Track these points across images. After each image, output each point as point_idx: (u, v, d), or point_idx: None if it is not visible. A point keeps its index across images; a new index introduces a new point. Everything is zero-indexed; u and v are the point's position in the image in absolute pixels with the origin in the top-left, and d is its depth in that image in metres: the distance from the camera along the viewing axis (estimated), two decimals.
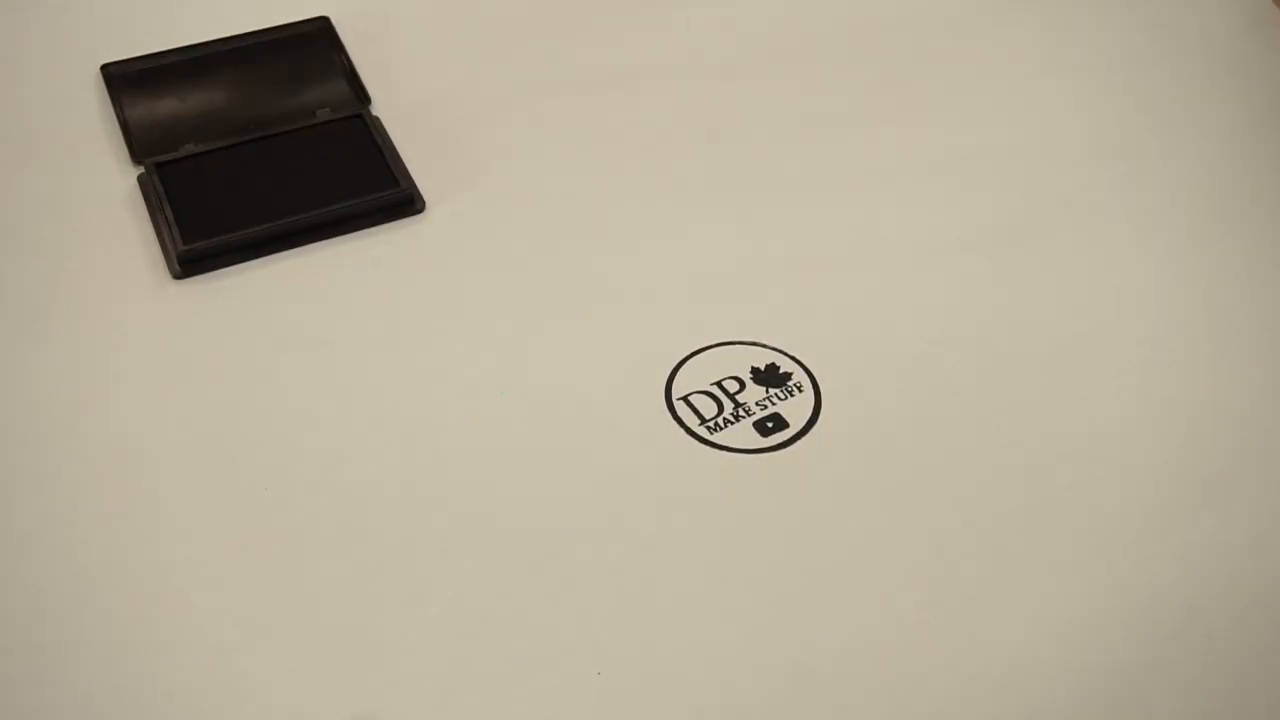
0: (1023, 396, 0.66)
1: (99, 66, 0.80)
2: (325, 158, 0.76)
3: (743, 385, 0.66)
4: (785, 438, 0.63)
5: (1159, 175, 0.78)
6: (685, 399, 0.65)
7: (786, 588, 0.58)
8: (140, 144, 0.75)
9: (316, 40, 0.82)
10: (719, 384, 0.66)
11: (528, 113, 0.80)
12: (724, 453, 0.63)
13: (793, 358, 0.67)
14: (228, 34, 0.82)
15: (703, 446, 0.63)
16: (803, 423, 0.64)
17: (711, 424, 0.64)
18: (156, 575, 0.57)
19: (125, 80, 0.79)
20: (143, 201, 0.73)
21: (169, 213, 0.71)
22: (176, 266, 0.69)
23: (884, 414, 0.65)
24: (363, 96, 0.79)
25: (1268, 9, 0.89)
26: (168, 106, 0.78)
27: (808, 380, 0.66)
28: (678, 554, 0.59)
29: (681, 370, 0.66)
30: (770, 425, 0.64)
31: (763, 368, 0.66)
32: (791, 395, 0.65)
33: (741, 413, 0.64)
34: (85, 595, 0.57)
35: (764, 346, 0.67)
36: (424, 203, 0.74)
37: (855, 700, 0.54)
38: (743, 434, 0.64)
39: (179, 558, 0.58)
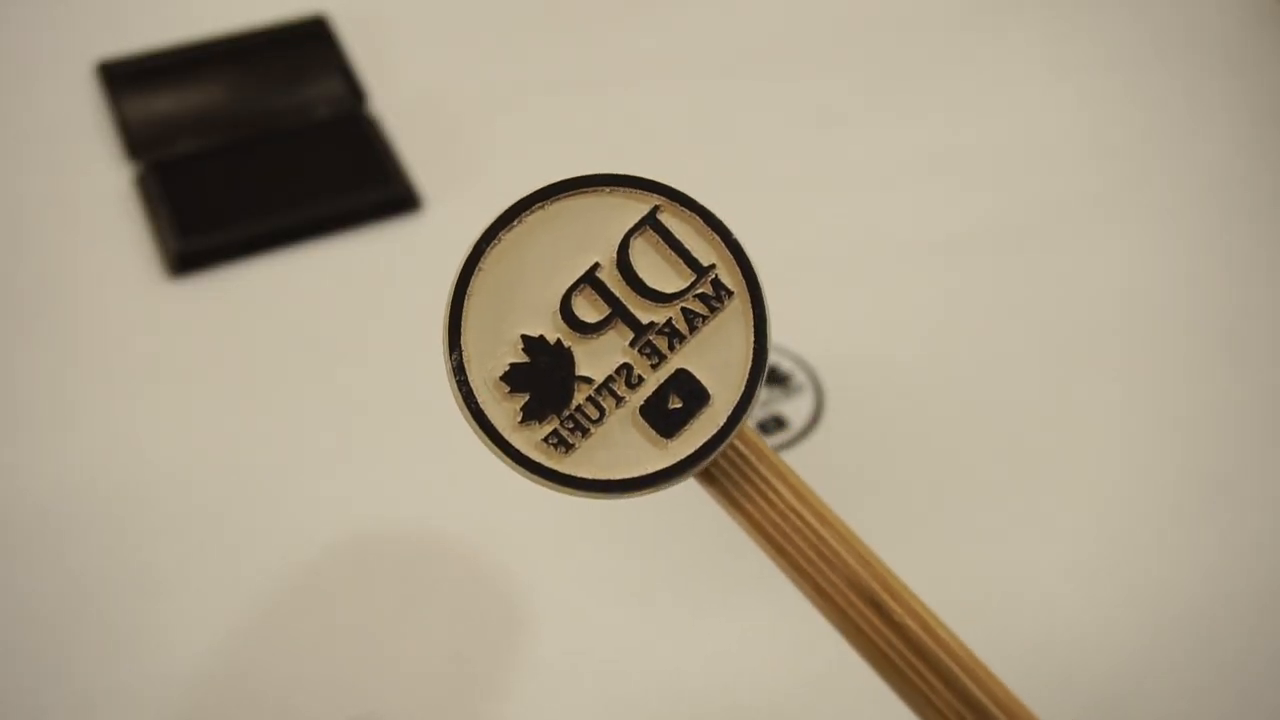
0: (1025, 396, 0.66)
1: (95, 63, 0.79)
2: (322, 155, 0.76)
3: None
4: (786, 438, 0.63)
5: (1160, 175, 0.78)
6: None
7: (787, 588, 0.58)
8: (136, 141, 0.75)
9: (314, 37, 0.82)
10: None
11: (527, 111, 0.80)
12: None
13: (794, 357, 0.67)
14: (224, 31, 0.81)
15: None
16: (803, 423, 0.64)
17: None
18: (154, 575, 0.57)
19: (121, 77, 0.78)
20: (138, 199, 0.73)
21: (165, 210, 0.71)
22: (172, 265, 0.69)
23: (885, 414, 0.65)
24: (360, 94, 0.79)
25: (1270, 7, 0.88)
26: (164, 103, 0.77)
27: (808, 380, 0.66)
28: (677, 554, 0.59)
29: None
30: (771, 425, 0.64)
31: None
32: (792, 395, 0.65)
33: None
34: (82, 596, 0.56)
35: None
36: (421, 201, 0.74)
37: (856, 701, 0.54)
38: None
39: (176, 557, 0.58)
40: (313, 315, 0.68)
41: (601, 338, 0.31)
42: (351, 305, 0.69)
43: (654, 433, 0.31)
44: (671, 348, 0.31)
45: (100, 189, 0.73)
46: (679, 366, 0.31)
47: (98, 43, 0.80)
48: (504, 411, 0.31)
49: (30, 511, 0.59)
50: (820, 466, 0.63)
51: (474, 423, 0.31)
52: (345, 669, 0.54)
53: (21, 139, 0.76)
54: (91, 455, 0.61)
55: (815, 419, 0.64)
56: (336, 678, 0.54)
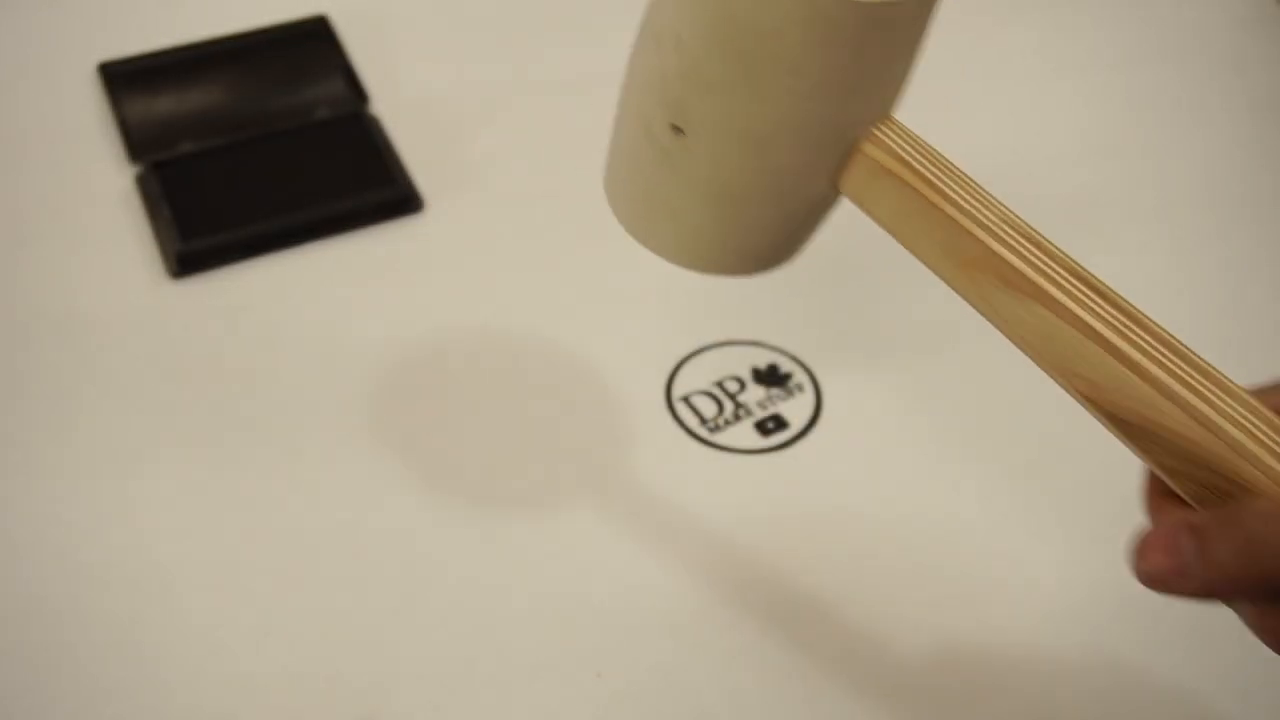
0: (1024, 396, 0.66)
1: (97, 64, 0.79)
2: (323, 156, 0.76)
3: (743, 385, 0.65)
4: (785, 438, 0.63)
5: (1160, 174, 0.78)
6: (686, 399, 0.65)
7: (787, 588, 0.58)
8: (138, 142, 0.75)
9: (315, 38, 0.82)
10: (719, 384, 0.65)
11: (527, 112, 0.80)
12: (724, 453, 0.63)
13: (793, 358, 0.67)
14: (226, 32, 0.82)
15: (703, 447, 0.63)
16: (803, 423, 0.64)
17: (712, 424, 0.64)
18: (155, 576, 0.57)
19: (123, 78, 0.78)
20: (140, 200, 0.73)
21: (166, 211, 0.71)
22: (174, 266, 0.69)
23: (884, 414, 0.65)
24: (361, 95, 0.79)
25: (1270, 7, 0.88)
26: (166, 104, 0.78)
27: (808, 380, 0.66)
28: (678, 554, 0.59)
29: (681, 370, 0.66)
30: (771, 425, 0.64)
31: (763, 368, 0.66)
32: (792, 395, 0.65)
33: (742, 413, 0.64)
34: (83, 596, 0.56)
35: (764, 346, 0.67)
36: (422, 202, 0.74)
37: (857, 701, 0.54)
38: (743, 434, 0.63)
39: (177, 558, 0.58)
40: (313, 315, 0.68)
41: None
42: (352, 306, 0.69)
43: None
44: None
45: (102, 190, 0.73)
46: None
47: (99, 44, 0.80)
48: None
49: (31, 509, 0.59)
50: (819, 466, 0.63)
51: None
52: (345, 669, 0.54)
53: (23, 140, 0.76)
54: (91, 454, 0.61)
55: (815, 419, 0.64)
56: (336, 678, 0.54)
